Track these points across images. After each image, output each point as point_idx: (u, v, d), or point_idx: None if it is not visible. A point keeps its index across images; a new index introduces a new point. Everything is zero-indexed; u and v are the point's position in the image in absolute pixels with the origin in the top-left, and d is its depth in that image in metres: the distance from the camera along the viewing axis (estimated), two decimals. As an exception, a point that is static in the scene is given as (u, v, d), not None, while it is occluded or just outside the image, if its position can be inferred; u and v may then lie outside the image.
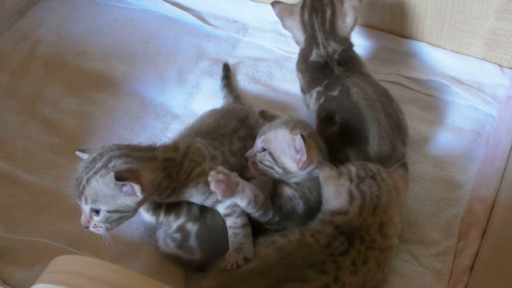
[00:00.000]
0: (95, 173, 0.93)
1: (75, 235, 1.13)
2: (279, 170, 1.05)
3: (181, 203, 1.08)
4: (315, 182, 1.07)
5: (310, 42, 1.29)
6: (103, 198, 0.93)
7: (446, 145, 1.32)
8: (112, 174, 0.91)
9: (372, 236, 1.00)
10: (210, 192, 1.02)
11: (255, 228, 1.07)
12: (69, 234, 1.15)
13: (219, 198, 1.00)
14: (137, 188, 0.93)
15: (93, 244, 1.07)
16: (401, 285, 1.08)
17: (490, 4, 1.34)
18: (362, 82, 1.20)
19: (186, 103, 1.44)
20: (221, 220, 1.06)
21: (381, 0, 1.48)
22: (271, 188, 1.11)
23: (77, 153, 1.01)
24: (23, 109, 1.42)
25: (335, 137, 1.15)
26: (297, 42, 1.34)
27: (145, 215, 1.10)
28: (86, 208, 0.96)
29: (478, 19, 1.38)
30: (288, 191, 1.08)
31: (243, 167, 1.11)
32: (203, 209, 1.08)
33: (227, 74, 1.47)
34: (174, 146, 1.05)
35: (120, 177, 0.91)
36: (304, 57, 1.30)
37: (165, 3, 1.70)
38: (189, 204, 1.08)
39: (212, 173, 0.99)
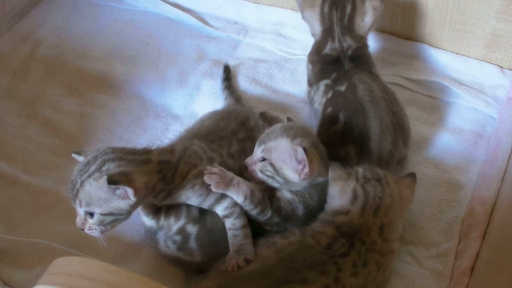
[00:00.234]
0: (89, 176, 0.94)
1: (75, 236, 1.13)
2: (280, 180, 1.05)
3: (180, 205, 1.08)
4: (316, 188, 1.07)
5: (326, 35, 1.31)
6: (96, 201, 0.94)
7: (447, 147, 1.32)
8: (105, 177, 0.91)
9: (372, 239, 1.00)
10: (207, 194, 1.03)
11: (255, 230, 1.06)
12: (69, 236, 1.14)
13: (213, 189, 1.00)
14: (130, 191, 0.93)
15: (94, 246, 1.07)
16: (402, 287, 1.08)
17: (490, 5, 1.34)
18: (369, 80, 1.21)
19: (187, 104, 1.44)
20: (220, 222, 1.06)
21: (381, 1, 1.48)
22: (270, 191, 1.10)
23: (73, 155, 1.02)
24: (23, 110, 1.42)
25: (338, 135, 1.16)
26: (313, 34, 1.35)
27: (146, 219, 1.11)
28: (80, 211, 0.96)
29: (478, 20, 1.38)
30: (287, 195, 1.07)
31: (241, 169, 1.11)
32: (202, 211, 1.08)
33: (228, 76, 1.47)
34: (170, 149, 1.05)
35: (113, 181, 0.91)
36: (318, 49, 1.32)
37: (165, 4, 1.70)
38: (188, 206, 1.08)
39: (207, 167, 1.02)
